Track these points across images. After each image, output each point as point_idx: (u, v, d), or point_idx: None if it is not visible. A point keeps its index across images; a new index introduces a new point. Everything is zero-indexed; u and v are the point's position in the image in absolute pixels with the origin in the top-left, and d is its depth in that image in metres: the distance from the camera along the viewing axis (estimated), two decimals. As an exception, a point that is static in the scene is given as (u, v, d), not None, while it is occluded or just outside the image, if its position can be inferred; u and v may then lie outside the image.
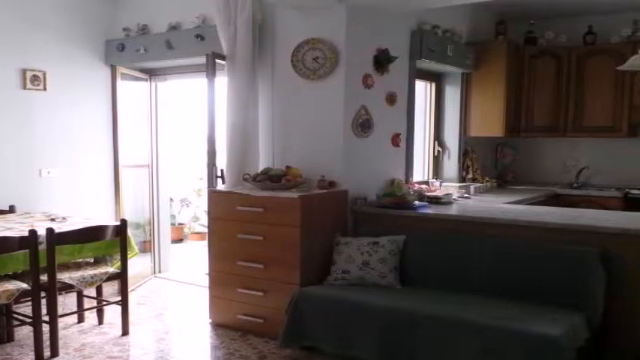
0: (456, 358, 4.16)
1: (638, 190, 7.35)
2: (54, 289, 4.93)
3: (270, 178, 5.43)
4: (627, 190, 7.40)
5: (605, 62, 7.49)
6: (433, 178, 7.39)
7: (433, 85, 7.53)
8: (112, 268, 5.54)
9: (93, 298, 5.85)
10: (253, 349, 5.17)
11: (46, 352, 4.98)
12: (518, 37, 8.02)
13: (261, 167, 5.84)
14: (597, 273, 4.44)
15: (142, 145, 7.57)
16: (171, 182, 8.34)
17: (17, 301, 4.93)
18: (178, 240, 10.04)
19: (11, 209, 6.18)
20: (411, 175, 6.53)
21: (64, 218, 5.82)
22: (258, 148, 5.97)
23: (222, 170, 6.00)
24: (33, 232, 4.80)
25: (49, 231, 4.85)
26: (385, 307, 4.54)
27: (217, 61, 5.97)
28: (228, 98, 5.87)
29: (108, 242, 5.44)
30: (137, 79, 7.42)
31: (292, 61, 5.72)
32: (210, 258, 5.77)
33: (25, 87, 6.45)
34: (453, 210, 5.72)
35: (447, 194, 6.19)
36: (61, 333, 5.22)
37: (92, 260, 5.71)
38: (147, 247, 7.66)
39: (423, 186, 6.58)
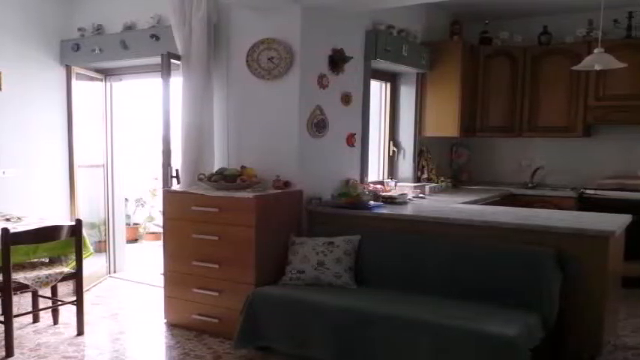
0: (411, 358, 4.17)
1: (592, 190, 7.44)
2: (9, 289, 4.89)
3: (225, 178, 5.44)
4: (582, 190, 7.49)
5: (560, 62, 7.59)
6: (388, 178, 7.43)
7: (388, 85, 7.58)
8: (67, 268, 5.52)
9: (48, 298, 5.80)
10: (208, 349, 5.18)
11: (1, 352, 4.97)
12: (473, 37, 8.10)
13: (216, 167, 5.84)
14: (553, 273, 4.48)
15: (97, 145, 7.53)
16: (127, 182, 8.31)
17: (-28, 301, 4.90)
18: (133, 240, 9.98)
19: (-34, 210, 6.11)
20: (366, 175, 6.56)
21: (19, 218, 5.78)
22: (214, 148, 5.97)
23: (177, 170, 6.00)
24: (-12, 233, 4.79)
25: (4, 231, 4.82)
26: (340, 307, 4.55)
27: (172, 61, 5.97)
28: (183, 98, 5.87)
29: (63, 242, 5.41)
30: (92, 79, 7.37)
31: (247, 61, 5.73)
32: (165, 258, 5.76)
33: (-21, 87, 6.38)
34: (408, 210, 5.76)
35: (402, 194, 6.25)
36: (16, 333, 5.18)
37: (47, 260, 5.68)
38: (102, 247, 7.62)
39: (378, 186, 6.61)
